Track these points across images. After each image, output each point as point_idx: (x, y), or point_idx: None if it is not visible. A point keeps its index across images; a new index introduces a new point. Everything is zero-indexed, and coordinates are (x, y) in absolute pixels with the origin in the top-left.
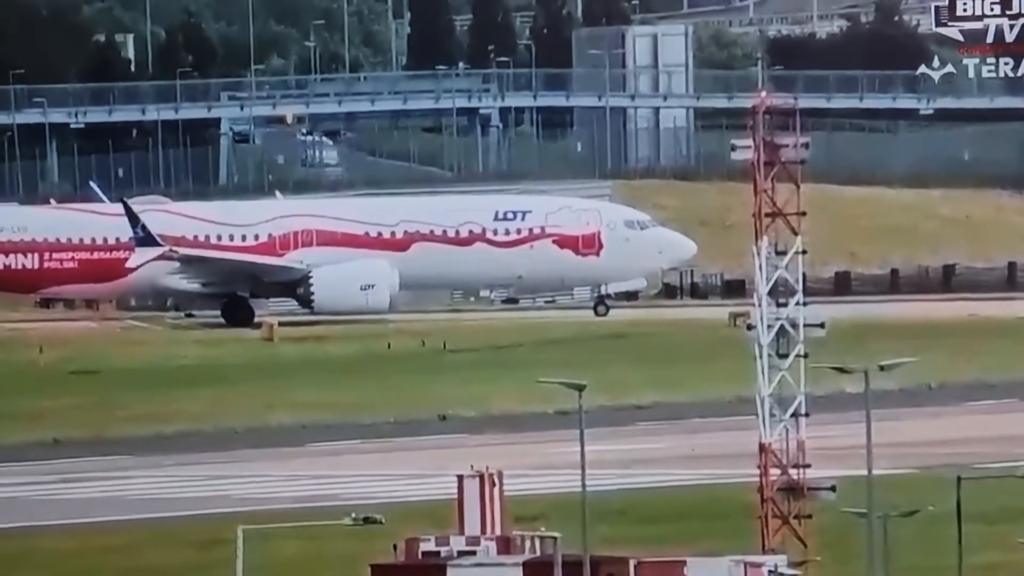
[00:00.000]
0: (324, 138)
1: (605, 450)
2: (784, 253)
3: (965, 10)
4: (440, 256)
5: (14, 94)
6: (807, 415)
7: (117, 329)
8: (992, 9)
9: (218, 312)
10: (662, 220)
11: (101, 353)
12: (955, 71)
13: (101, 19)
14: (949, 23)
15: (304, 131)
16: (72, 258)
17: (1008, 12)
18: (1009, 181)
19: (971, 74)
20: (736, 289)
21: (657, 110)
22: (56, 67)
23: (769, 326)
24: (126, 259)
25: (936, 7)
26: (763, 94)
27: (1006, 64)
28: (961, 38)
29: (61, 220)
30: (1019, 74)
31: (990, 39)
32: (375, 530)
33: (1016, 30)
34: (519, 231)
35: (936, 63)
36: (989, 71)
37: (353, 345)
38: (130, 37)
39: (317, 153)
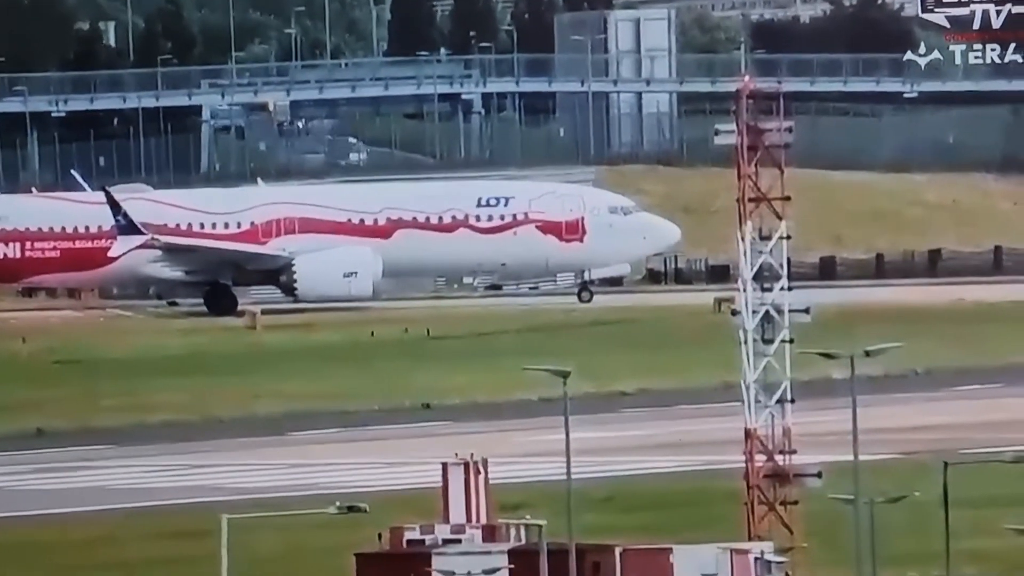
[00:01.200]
0: (350, 139)
1: (590, 437)
2: (768, 238)
3: None
4: (423, 243)
5: None
6: (793, 401)
7: (100, 318)
8: None
9: (201, 300)
10: (646, 205)
11: (84, 342)
12: (941, 57)
13: (82, 7)
14: (935, 9)
15: (289, 121)
16: (54, 247)
17: None
18: (994, 165)
19: (958, 60)
20: (721, 274)
21: (640, 95)
22: (37, 55)
23: (754, 311)
24: (108, 248)
25: None
26: (746, 78)
27: (992, 50)
28: (947, 24)
29: (43, 209)
30: (1006, 60)
31: (976, 25)
32: (360, 519)
33: (1003, 16)
34: (502, 217)
35: (922, 49)
36: (976, 57)
37: (336, 333)
38: (111, 25)
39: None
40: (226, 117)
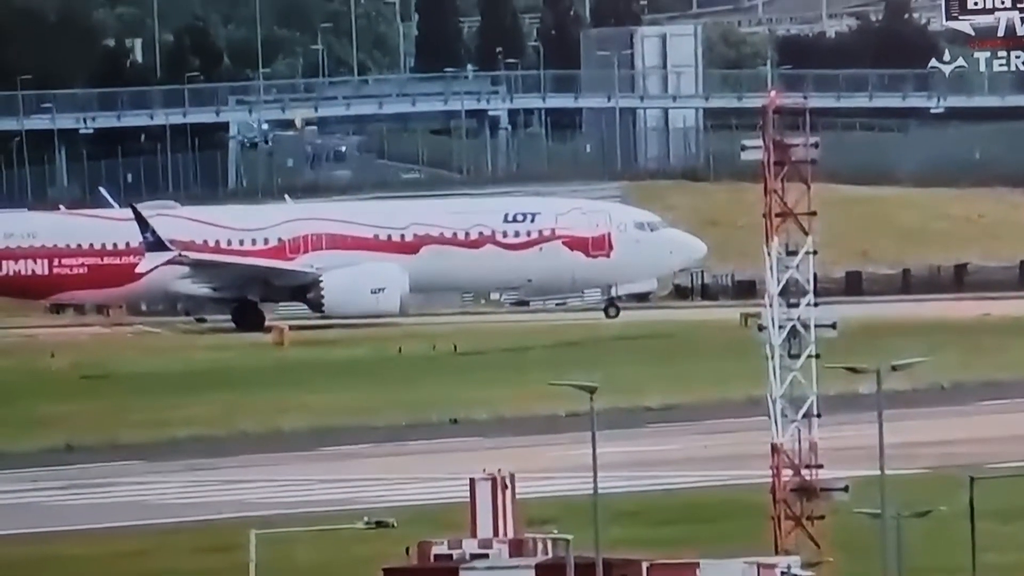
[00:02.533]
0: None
1: (617, 452)
2: (795, 253)
3: (976, 4)
4: (450, 259)
5: (22, 100)
6: (819, 415)
7: (128, 334)
8: (1003, 2)
9: (229, 316)
10: (672, 221)
11: (112, 358)
12: (966, 65)
13: (109, 23)
14: (960, 17)
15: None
16: (82, 264)
17: (1019, 5)
18: (1020, 179)
19: (982, 67)
20: (747, 290)
21: (666, 110)
22: (64, 72)
23: (780, 327)
24: (136, 264)
25: (947, 1)
26: (772, 94)
27: (1017, 57)
28: (972, 32)
29: (70, 226)
30: None
31: (1001, 33)
32: (387, 533)
33: None
34: (529, 233)
35: (947, 57)
36: (1001, 64)
37: (364, 349)
38: (138, 42)
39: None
40: (253, 133)
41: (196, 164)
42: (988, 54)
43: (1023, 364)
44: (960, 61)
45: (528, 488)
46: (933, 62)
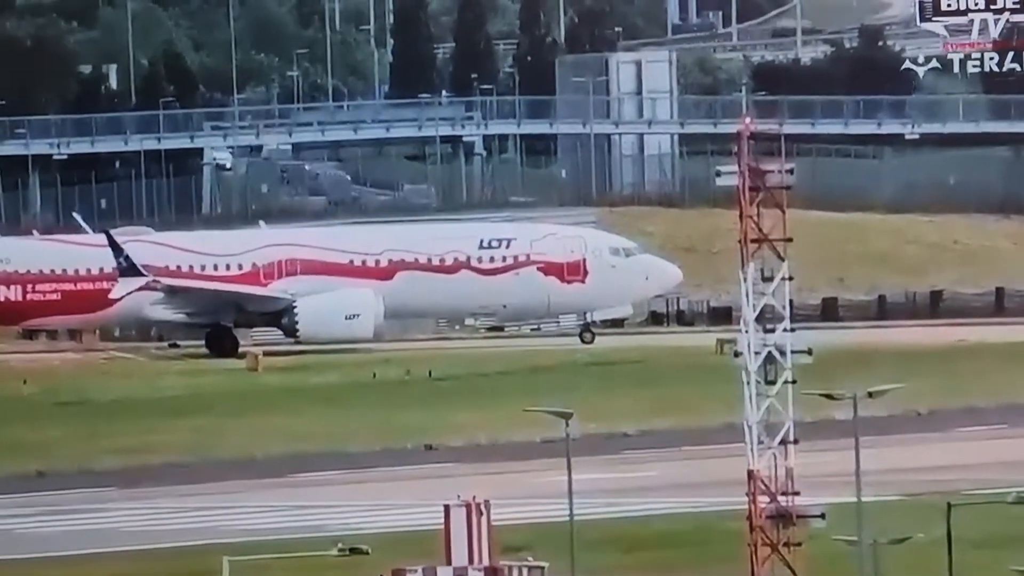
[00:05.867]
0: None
1: (592, 478)
2: (771, 279)
3: (950, 5)
4: (425, 284)
5: None
6: (796, 442)
7: (101, 360)
8: (976, 3)
9: (202, 342)
10: (647, 247)
11: (85, 384)
12: (941, 66)
13: (84, 50)
14: (934, 18)
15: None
16: (55, 289)
17: (993, 7)
18: (995, 205)
19: (956, 69)
20: (723, 316)
21: (641, 136)
22: (39, 98)
23: (756, 352)
24: (109, 290)
25: (921, 2)
26: (748, 120)
27: (991, 59)
28: (946, 33)
29: (44, 251)
30: (1004, 69)
31: (975, 35)
32: (361, 561)
33: (1001, 24)
34: (504, 259)
35: (921, 58)
36: (975, 66)
37: (338, 374)
38: (112, 67)
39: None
40: (227, 159)
41: (170, 190)
42: (962, 55)
43: (999, 390)
44: (935, 63)
45: (503, 515)
46: (908, 64)
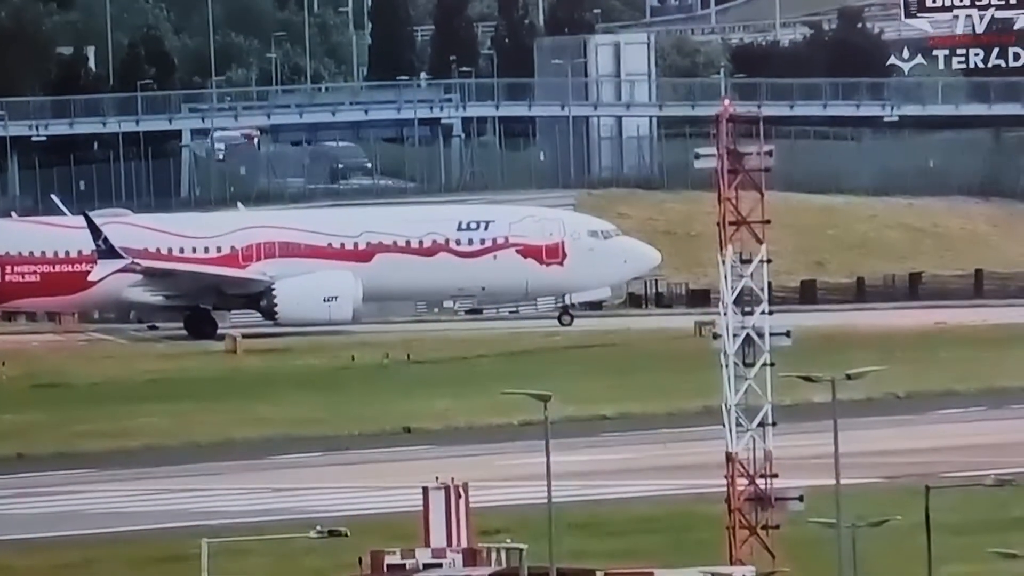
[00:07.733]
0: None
1: (571, 461)
2: (749, 262)
3: (935, 1)
4: (403, 267)
5: None
6: (774, 424)
7: (80, 342)
8: (962, 0)
9: (181, 324)
10: (626, 229)
11: (64, 367)
12: (925, 62)
13: (63, 32)
14: (919, 14)
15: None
16: (34, 271)
17: (977, 3)
18: (975, 188)
19: (941, 65)
20: (701, 298)
21: (620, 119)
22: (18, 79)
23: (735, 335)
24: (88, 272)
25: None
26: (726, 102)
27: (976, 55)
28: (931, 29)
29: (23, 233)
30: (989, 65)
31: (959, 30)
32: (340, 543)
33: (986, 21)
34: (482, 241)
35: (906, 54)
36: (959, 62)
37: (317, 357)
38: (91, 49)
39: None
40: (206, 141)
41: (149, 172)
42: (947, 52)
43: (978, 374)
44: (919, 59)
45: (482, 497)
46: (892, 59)
